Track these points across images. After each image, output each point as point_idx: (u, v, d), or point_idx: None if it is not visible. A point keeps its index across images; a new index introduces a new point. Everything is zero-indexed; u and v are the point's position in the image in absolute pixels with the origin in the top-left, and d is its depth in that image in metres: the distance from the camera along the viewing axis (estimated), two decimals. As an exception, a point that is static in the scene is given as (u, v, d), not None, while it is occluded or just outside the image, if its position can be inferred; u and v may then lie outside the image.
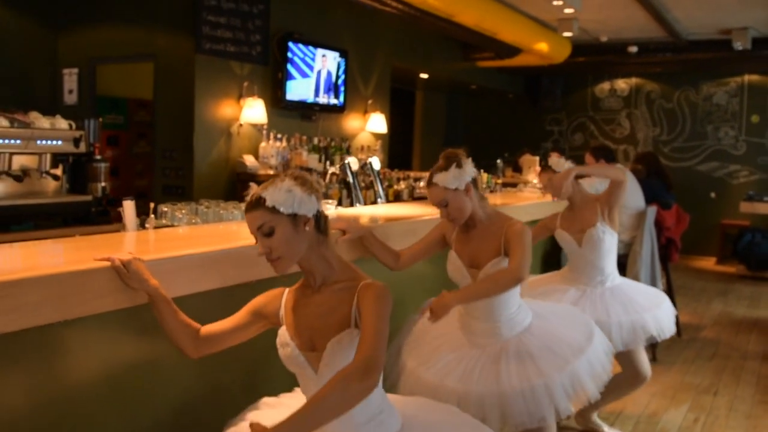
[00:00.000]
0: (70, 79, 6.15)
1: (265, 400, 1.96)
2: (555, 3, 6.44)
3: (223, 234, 2.67)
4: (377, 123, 7.56)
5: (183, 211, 2.91)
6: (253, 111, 5.81)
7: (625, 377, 3.53)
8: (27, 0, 6.10)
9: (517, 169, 8.64)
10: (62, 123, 3.92)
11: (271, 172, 5.89)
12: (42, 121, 3.83)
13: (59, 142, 3.83)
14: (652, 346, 5.17)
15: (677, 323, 5.74)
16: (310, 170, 6.19)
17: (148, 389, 2.02)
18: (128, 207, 2.51)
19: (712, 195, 10.63)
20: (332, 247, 1.83)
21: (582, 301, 3.46)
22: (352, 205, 4.31)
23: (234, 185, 5.79)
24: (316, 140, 6.56)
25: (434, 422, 1.91)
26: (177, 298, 1.87)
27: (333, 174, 4.39)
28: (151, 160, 5.99)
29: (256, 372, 2.35)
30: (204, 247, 2.15)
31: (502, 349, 2.53)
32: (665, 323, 3.50)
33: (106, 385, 1.90)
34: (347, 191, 5.78)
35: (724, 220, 10.14)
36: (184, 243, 2.41)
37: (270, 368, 2.14)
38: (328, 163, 6.50)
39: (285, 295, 1.87)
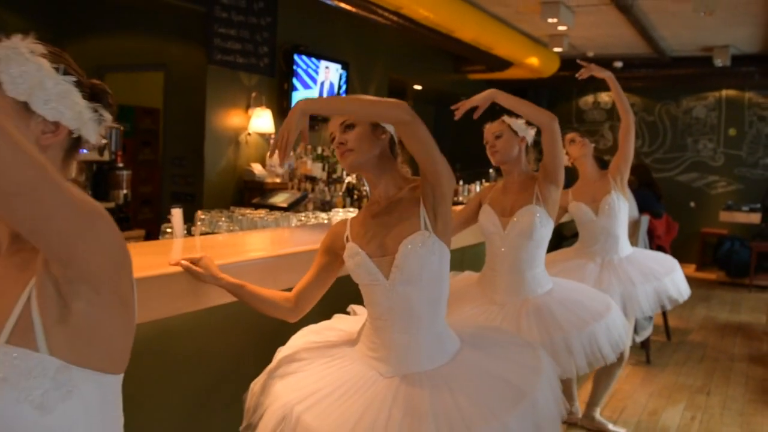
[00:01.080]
0: (78, 87, 6.25)
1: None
2: (550, 21, 6.69)
3: (266, 240, 2.84)
4: (375, 133, 7.75)
5: (222, 219, 3.06)
6: (261, 120, 5.97)
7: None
8: (35, 8, 6.20)
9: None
10: (90, 132, 4.06)
11: (278, 180, 6.05)
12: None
13: (85, 151, 3.95)
14: (645, 349, 5.44)
15: (666, 327, 6.09)
16: (314, 179, 6.39)
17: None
18: (176, 215, 2.64)
19: (692, 204, 10.98)
20: (400, 169, 1.95)
21: (604, 274, 3.66)
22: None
23: (242, 193, 5.94)
24: (319, 149, 6.74)
25: (491, 337, 2.07)
26: (234, 303, 1.98)
27: (348, 183, 4.56)
28: (155, 167, 6.11)
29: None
30: (257, 253, 2.29)
31: (523, 306, 2.71)
32: (682, 286, 3.77)
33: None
34: (350, 198, 5.97)
35: (704, 229, 10.48)
36: (233, 249, 2.52)
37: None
38: (329, 171, 6.69)
39: (349, 222, 1.99)
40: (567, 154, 3.83)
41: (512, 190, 2.86)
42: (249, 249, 2.57)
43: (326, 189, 6.15)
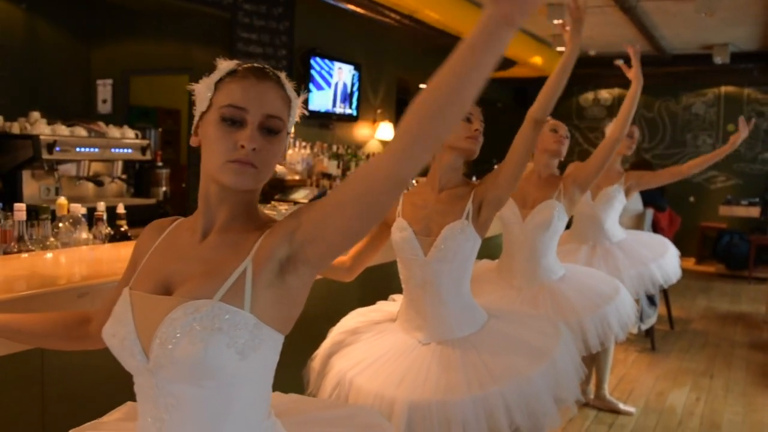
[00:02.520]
0: (105, 89, 6.50)
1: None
2: (555, 22, 6.94)
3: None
4: (385, 131, 8.02)
5: (284, 208, 3.31)
6: (281, 121, 6.22)
7: None
8: (61, 15, 6.45)
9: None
10: (129, 132, 4.31)
11: (298, 177, 6.31)
12: (113, 131, 4.21)
13: (130, 150, 4.21)
14: (650, 337, 5.71)
15: (670, 317, 6.36)
16: (330, 176, 6.65)
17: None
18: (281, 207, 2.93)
19: (691, 199, 11.25)
20: (460, 164, 2.23)
21: (594, 258, 3.96)
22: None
23: (263, 189, 6.19)
24: (334, 147, 6.99)
25: (514, 312, 2.35)
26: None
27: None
28: (177, 166, 6.35)
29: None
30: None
31: (540, 291, 2.98)
32: (670, 270, 4.05)
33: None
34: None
35: (703, 223, 10.75)
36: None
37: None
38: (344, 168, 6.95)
39: (402, 198, 2.27)
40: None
41: (535, 183, 3.12)
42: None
43: (343, 186, 6.41)
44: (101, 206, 2.43)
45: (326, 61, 6.85)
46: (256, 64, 1.27)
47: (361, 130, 7.79)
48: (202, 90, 1.27)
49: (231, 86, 1.22)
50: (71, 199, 2.44)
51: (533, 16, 7.35)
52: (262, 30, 6.08)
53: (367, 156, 7.80)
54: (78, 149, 3.84)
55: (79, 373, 1.78)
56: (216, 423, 1.14)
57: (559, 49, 8.76)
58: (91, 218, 2.44)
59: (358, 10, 5.99)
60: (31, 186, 3.69)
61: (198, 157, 4.67)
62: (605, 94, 12.00)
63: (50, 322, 1.43)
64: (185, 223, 1.33)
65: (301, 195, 5.86)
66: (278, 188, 6.16)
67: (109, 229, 2.43)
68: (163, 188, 4.38)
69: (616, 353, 4.91)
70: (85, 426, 1.42)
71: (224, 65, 1.28)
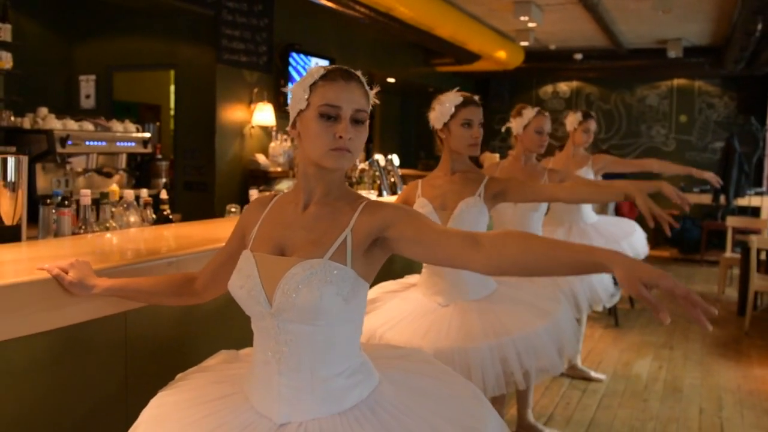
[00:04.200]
0: (87, 85, 6.63)
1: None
2: (521, 18, 7.32)
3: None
4: (359, 124, 8.30)
5: None
6: (264, 114, 6.46)
7: None
8: (48, 11, 6.56)
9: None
10: (131, 127, 4.52)
11: (280, 169, 6.56)
12: (116, 126, 4.42)
13: (133, 144, 4.43)
14: (614, 315, 6.15)
15: (630, 296, 6.81)
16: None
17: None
18: (254, 195, 3.20)
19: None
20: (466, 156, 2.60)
21: (571, 238, 4.34)
22: (380, 195, 5.02)
23: (247, 181, 6.43)
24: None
25: (519, 280, 2.64)
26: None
27: (362, 170, 5.10)
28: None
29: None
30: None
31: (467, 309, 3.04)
32: (639, 248, 4.47)
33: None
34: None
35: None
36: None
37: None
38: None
39: (420, 183, 2.67)
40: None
41: (521, 170, 3.46)
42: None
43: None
44: (143, 192, 2.69)
45: (304, 56, 7.10)
46: (340, 67, 1.54)
47: (336, 123, 8.07)
48: (298, 92, 1.53)
49: (325, 88, 1.49)
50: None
51: (500, 12, 7.72)
52: (244, 27, 6.30)
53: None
54: (87, 143, 4.05)
55: (159, 335, 2.05)
56: (324, 354, 1.45)
57: (523, 43, 9.16)
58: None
59: (334, 6, 6.25)
60: (42, 178, 3.88)
61: (184, 152, 4.91)
62: (564, 87, 12.48)
63: (161, 283, 1.73)
64: (285, 198, 1.64)
65: (285, 186, 6.12)
66: (261, 179, 6.42)
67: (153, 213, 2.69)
68: (163, 179, 4.60)
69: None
70: (190, 370, 1.70)
71: (314, 70, 1.53)
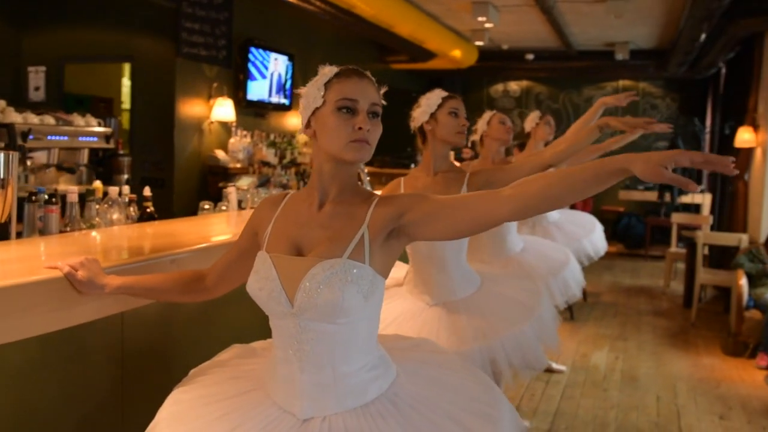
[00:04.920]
0: (37, 76, 6.43)
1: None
2: (479, 19, 7.44)
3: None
4: (316, 120, 8.29)
5: (262, 196, 3.58)
6: (223, 110, 6.40)
7: None
8: (-6, -2, 6.34)
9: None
10: (92, 121, 4.43)
11: (239, 165, 6.51)
12: (78, 120, 4.32)
13: (95, 139, 4.34)
14: (570, 308, 6.33)
15: (583, 290, 7.02)
16: (269, 164, 6.89)
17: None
18: (232, 192, 3.19)
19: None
20: (449, 151, 2.62)
21: (534, 236, 4.46)
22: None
23: (205, 177, 6.36)
24: (272, 137, 7.22)
25: (501, 274, 2.71)
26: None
27: (299, 167, 5.10)
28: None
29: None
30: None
31: (507, 263, 3.33)
32: (599, 244, 4.64)
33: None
34: (303, 182, 6.49)
35: (603, 207, 11.63)
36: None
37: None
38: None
39: (402, 181, 2.63)
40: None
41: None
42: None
43: (282, 173, 6.65)
44: (126, 189, 2.66)
45: (263, 51, 7.05)
46: (352, 66, 1.58)
47: (293, 119, 8.04)
48: (312, 91, 1.55)
49: (341, 84, 1.52)
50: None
51: (457, 12, 7.82)
52: (204, 20, 6.22)
53: (305, 143, 8.06)
54: (49, 137, 3.95)
55: (156, 336, 2.03)
56: (345, 350, 1.48)
57: (478, 43, 9.30)
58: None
59: (295, 1, 6.23)
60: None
61: (141, 147, 4.80)
62: (514, 86, 12.71)
63: (171, 280, 1.72)
64: (297, 196, 1.64)
65: (246, 182, 6.06)
66: (222, 176, 6.35)
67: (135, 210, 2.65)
68: (126, 175, 4.52)
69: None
70: (204, 365, 1.70)
71: (327, 70, 1.56)
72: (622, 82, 11.89)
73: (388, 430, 1.43)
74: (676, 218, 7.85)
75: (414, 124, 2.63)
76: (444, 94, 2.58)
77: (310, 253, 1.51)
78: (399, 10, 7.14)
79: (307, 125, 1.57)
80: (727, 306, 6.56)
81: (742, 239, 6.22)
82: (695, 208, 9.71)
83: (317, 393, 1.47)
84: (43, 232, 2.27)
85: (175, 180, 5.98)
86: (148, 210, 2.74)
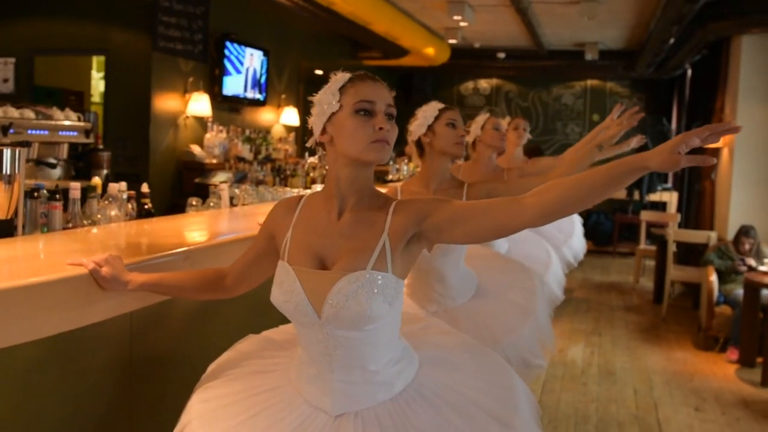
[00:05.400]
0: (6, 68, 6.27)
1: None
2: (455, 18, 7.49)
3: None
4: (290, 116, 8.28)
5: (250, 193, 3.57)
6: (199, 105, 6.34)
7: None
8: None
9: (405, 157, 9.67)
10: (72, 116, 4.36)
11: (215, 161, 6.46)
12: (58, 114, 4.25)
13: (75, 133, 4.27)
14: (544, 304, 6.44)
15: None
16: (244, 159, 6.85)
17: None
18: (224, 189, 3.17)
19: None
20: (448, 164, 2.55)
21: (514, 244, 4.50)
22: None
23: (181, 173, 6.30)
24: (247, 132, 7.18)
25: (496, 268, 2.71)
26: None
27: (311, 164, 5.10)
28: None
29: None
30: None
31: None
32: (578, 248, 4.69)
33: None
34: (278, 177, 6.48)
35: (572, 204, 11.83)
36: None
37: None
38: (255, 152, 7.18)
39: (399, 188, 2.58)
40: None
41: (483, 174, 3.52)
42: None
43: (258, 168, 6.63)
44: (123, 186, 2.63)
45: (239, 46, 7.00)
46: (364, 72, 1.57)
47: (267, 115, 8.00)
48: (327, 96, 1.54)
49: (356, 87, 1.52)
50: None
51: (431, 10, 7.87)
52: (181, 14, 6.15)
53: (280, 139, 8.03)
54: (30, 131, 3.88)
55: (164, 335, 2.02)
56: (373, 351, 1.51)
57: (451, 41, 9.36)
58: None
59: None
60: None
61: (115, 141, 4.74)
62: (484, 84, 12.83)
63: (193, 279, 1.71)
64: (314, 201, 1.62)
65: (222, 178, 6.03)
66: (198, 171, 6.30)
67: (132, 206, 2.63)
68: (105, 171, 4.46)
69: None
70: (223, 357, 1.70)
71: (340, 76, 1.55)
72: (590, 82, 12.10)
73: (417, 419, 1.46)
74: (645, 216, 8.03)
75: (411, 137, 2.58)
76: (441, 105, 2.51)
77: (333, 265, 1.52)
78: (376, 7, 7.15)
79: (323, 132, 1.56)
80: (695, 302, 6.75)
81: (711, 236, 6.39)
82: (662, 206, 9.94)
83: (348, 390, 1.49)
84: (48, 228, 2.24)
85: (150, 175, 5.89)
86: (146, 207, 2.72)
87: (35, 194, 2.24)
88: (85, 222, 2.34)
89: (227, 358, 1.72)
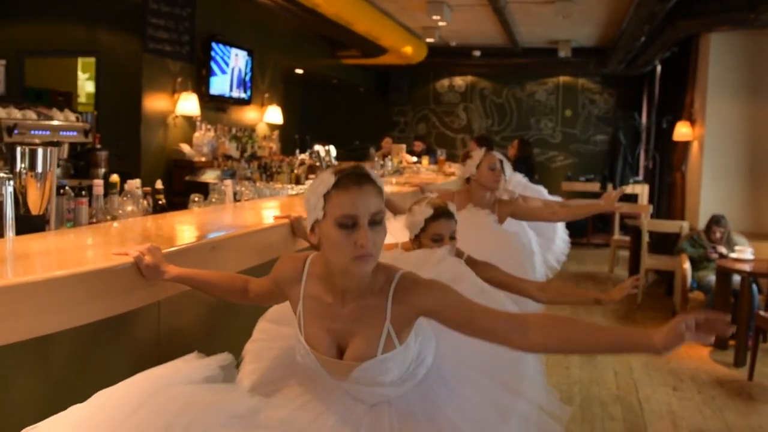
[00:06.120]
0: (-4, 70, 6.33)
1: None
2: (434, 17, 7.70)
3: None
4: (273, 114, 8.42)
5: (249, 189, 3.73)
6: (188, 104, 6.46)
7: None
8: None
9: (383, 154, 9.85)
10: (71, 116, 4.47)
11: (204, 159, 6.58)
12: (58, 115, 4.36)
13: (74, 133, 4.39)
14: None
15: (536, 277, 7.38)
16: (231, 157, 6.98)
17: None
18: (229, 184, 3.33)
19: (536, 177, 12.61)
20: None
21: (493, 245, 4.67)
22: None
23: (171, 171, 6.42)
24: (233, 130, 7.31)
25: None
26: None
27: (302, 161, 5.27)
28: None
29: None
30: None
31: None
32: (560, 252, 4.85)
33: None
34: (265, 174, 6.63)
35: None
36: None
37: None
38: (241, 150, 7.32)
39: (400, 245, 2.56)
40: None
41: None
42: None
43: (246, 166, 6.76)
44: (138, 183, 2.79)
45: (224, 46, 7.12)
46: (351, 171, 1.53)
47: (252, 113, 8.14)
48: (312, 200, 1.53)
49: (339, 197, 1.49)
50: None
51: (410, 10, 8.06)
52: (169, 16, 6.26)
53: (264, 137, 8.16)
54: (33, 132, 3.99)
55: (193, 325, 2.17)
56: (391, 387, 1.65)
57: (429, 40, 9.56)
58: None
59: (265, 0, 6.34)
60: (-11, 168, 3.78)
61: (107, 141, 4.83)
62: (459, 81, 13.07)
63: (223, 282, 1.83)
64: (315, 271, 1.64)
65: (212, 176, 6.17)
66: (187, 169, 6.43)
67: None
68: (103, 170, 4.57)
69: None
70: (256, 337, 1.86)
71: (326, 177, 1.52)
72: (562, 78, 12.40)
73: (440, 400, 1.64)
74: (619, 207, 8.30)
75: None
76: (429, 212, 2.45)
77: (347, 354, 1.60)
78: (358, 8, 7.33)
79: (312, 231, 1.57)
80: (668, 289, 7.05)
81: (683, 226, 6.69)
82: (634, 198, 10.26)
83: (376, 390, 1.66)
84: (75, 223, 2.38)
85: (142, 174, 5.99)
86: (160, 202, 2.87)
87: (61, 191, 2.38)
88: (108, 217, 2.48)
89: (258, 337, 1.86)
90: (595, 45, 10.27)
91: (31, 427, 1.35)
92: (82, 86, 7.86)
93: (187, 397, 1.40)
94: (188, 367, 1.54)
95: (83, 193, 2.39)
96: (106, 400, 1.42)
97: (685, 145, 7.40)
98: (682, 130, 7.31)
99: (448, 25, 8.81)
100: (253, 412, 1.44)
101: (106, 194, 2.54)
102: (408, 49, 9.75)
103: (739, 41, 6.58)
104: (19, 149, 2.19)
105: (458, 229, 2.54)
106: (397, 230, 2.59)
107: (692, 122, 7.26)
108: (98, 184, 2.43)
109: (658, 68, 9.61)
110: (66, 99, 7.14)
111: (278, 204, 3.45)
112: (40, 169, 2.19)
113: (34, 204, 2.20)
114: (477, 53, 11.07)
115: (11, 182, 2.10)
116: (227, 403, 1.42)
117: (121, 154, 6.10)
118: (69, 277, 1.57)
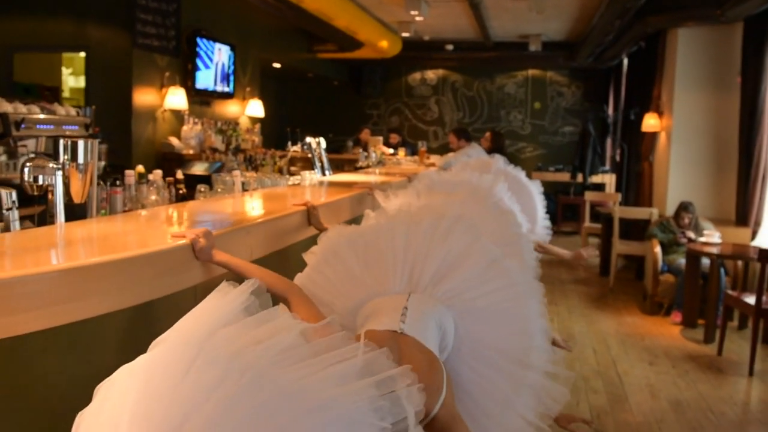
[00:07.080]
0: (-15, 65, 6.39)
1: None
2: (411, 12, 7.92)
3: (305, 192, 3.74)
4: (255, 108, 8.56)
5: (254, 179, 3.90)
6: (176, 98, 6.58)
7: None
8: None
9: (360, 146, 10.04)
10: (71, 110, 4.59)
11: (192, 152, 6.72)
12: (59, 109, 4.48)
13: (76, 127, 4.51)
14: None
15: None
16: (217, 150, 7.13)
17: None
18: (237, 175, 3.51)
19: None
20: None
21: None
22: (324, 174, 5.31)
23: (161, 164, 6.53)
24: (218, 124, 7.45)
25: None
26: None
27: (294, 152, 5.44)
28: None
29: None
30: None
31: None
32: (540, 236, 5.11)
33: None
34: (250, 165, 6.79)
35: (518, 188, 12.45)
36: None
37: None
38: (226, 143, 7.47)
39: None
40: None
41: None
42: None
43: (233, 158, 6.92)
44: (159, 173, 2.96)
45: (208, 41, 7.24)
46: None
47: (235, 107, 8.27)
48: None
49: None
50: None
51: (388, 5, 8.27)
52: (156, 11, 6.38)
53: (247, 129, 8.30)
54: (38, 126, 4.10)
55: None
56: None
57: (404, 34, 9.78)
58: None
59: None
60: (-4, 161, 3.89)
61: (102, 133, 4.88)
62: (431, 75, 13.33)
63: (269, 279, 1.76)
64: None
65: (201, 168, 6.30)
66: (177, 162, 6.55)
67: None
68: (103, 162, 4.69)
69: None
70: None
71: None
72: (531, 72, 12.74)
73: (462, 380, 1.78)
74: (589, 196, 8.67)
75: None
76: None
77: None
78: (338, 3, 7.52)
79: None
80: (637, 273, 7.41)
81: (653, 213, 7.04)
82: (602, 187, 10.64)
83: None
84: (111, 211, 2.55)
85: (133, 167, 6.12)
86: (181, 192, 3.05)
87: (98, 182, 2.55)
88: (139, 206, 2.66)
89: None
90: (564, 39, 10.61)
91: (107, 379, 1.32)
92: (66, 81, 7.90)
93: (233, 338, 1.34)
94: (227, 301, 1.51)
95: (118, 182, 2.56)
96: (165, 351, 1.35)
97: (653, 136, 7.75)
98: (650, 122, 7.66)
99: (424, 20, 9.04)
100: (299, 343, 1.37)
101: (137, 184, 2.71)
102: (384, 44, 9.96)
103: (706, 36, 6.93)
104: (62, 142, 2.36)
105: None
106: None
107: (660, 114, 7.60)
108: (129, 175, 2.60)
109: (625, 62, 9.97)
110: (53, 93, 7.20)
111: (284, 193, 3.64)
112: (81, 160, 2.36)
113: (77, 193, 2.37)
114: (450, 47, 11.33)
115: (60, 172, 2.26)
116: (273, 339, 1.37)
117: (113, 147, 6.21)
118: (138, 257, 1.74)
